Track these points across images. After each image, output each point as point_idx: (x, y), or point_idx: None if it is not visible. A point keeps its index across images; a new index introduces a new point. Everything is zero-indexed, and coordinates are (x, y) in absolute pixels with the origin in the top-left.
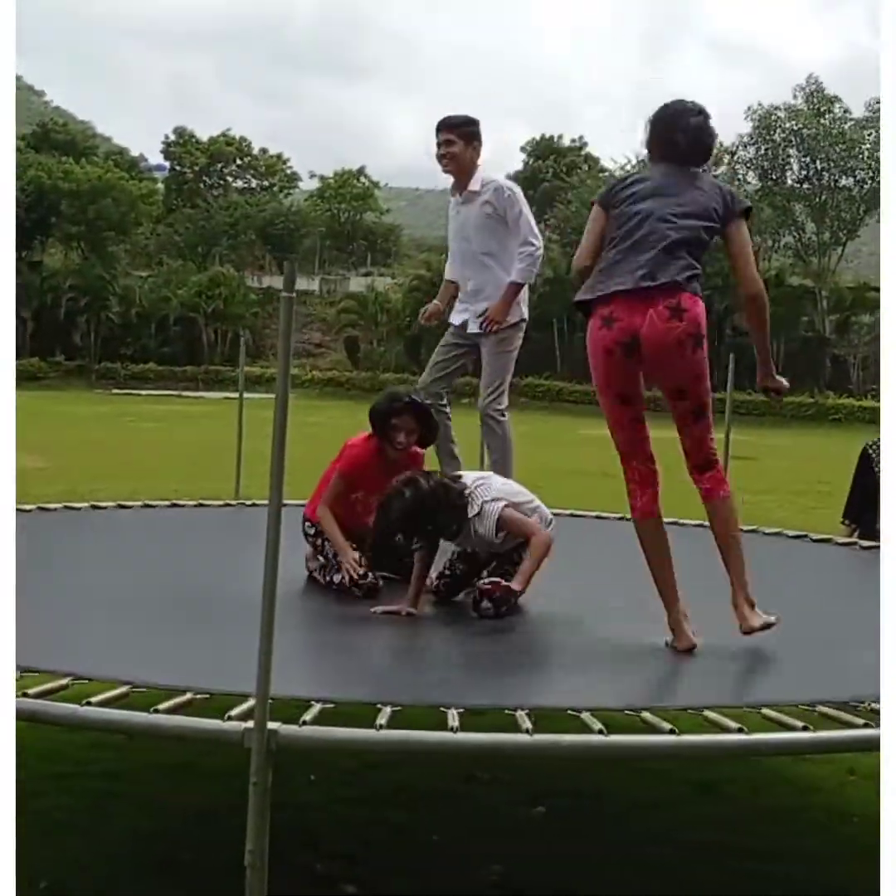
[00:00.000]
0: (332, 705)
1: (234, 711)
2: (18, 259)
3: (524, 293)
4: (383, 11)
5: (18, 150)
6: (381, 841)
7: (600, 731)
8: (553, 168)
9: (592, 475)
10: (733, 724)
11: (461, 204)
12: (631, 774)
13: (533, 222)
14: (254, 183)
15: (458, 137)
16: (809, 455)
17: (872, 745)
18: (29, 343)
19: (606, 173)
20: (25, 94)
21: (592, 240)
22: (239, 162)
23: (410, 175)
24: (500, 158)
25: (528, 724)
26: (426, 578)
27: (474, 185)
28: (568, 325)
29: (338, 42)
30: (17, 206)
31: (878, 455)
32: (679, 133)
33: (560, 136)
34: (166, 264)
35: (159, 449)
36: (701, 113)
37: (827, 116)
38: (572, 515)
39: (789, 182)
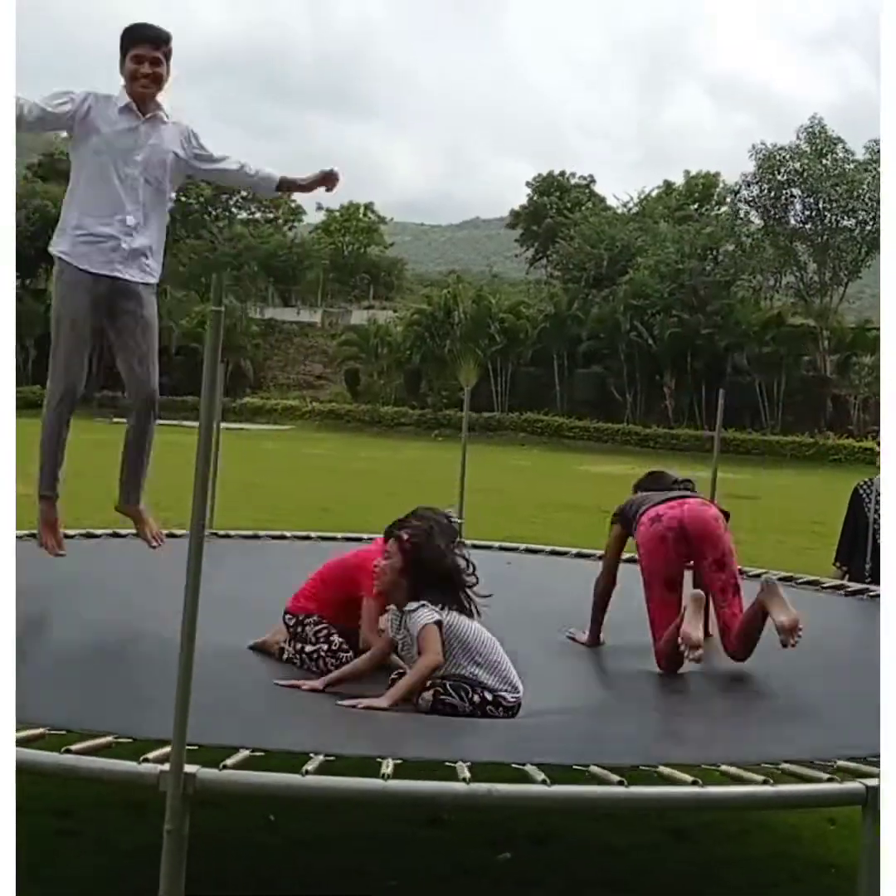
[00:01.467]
0: (261, 753)
1: (152, 754)
2: (22, 287)
3: (161, 250)
4: (383, 46)
5: (25, 179)
6: (337, 885)
7: (543, 782)
8: (557, 204)
9: (588, 510)
10: (688, 778)
11: (143, 124)
12: (604, 820)
13: None
14: (258, 215)
15: (165, 57)
16: (807, 495)
17: (836, 801)
18: (31, 370)
19: (610, 211)
20: None
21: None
22: (243, 194)
23: (414, 210)
24: (503, 192)
25: (465, 774)
26: (360, 675)
27: (163, 112)
28: (568, 361)
29: (337, 77)
30: (22, 234)
31: (870, 496)
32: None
33: (573, 173)
34: (170, 295)
35: (151, 478)
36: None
37: (829, 157)
38: (553, 552)
39: (792, 222)
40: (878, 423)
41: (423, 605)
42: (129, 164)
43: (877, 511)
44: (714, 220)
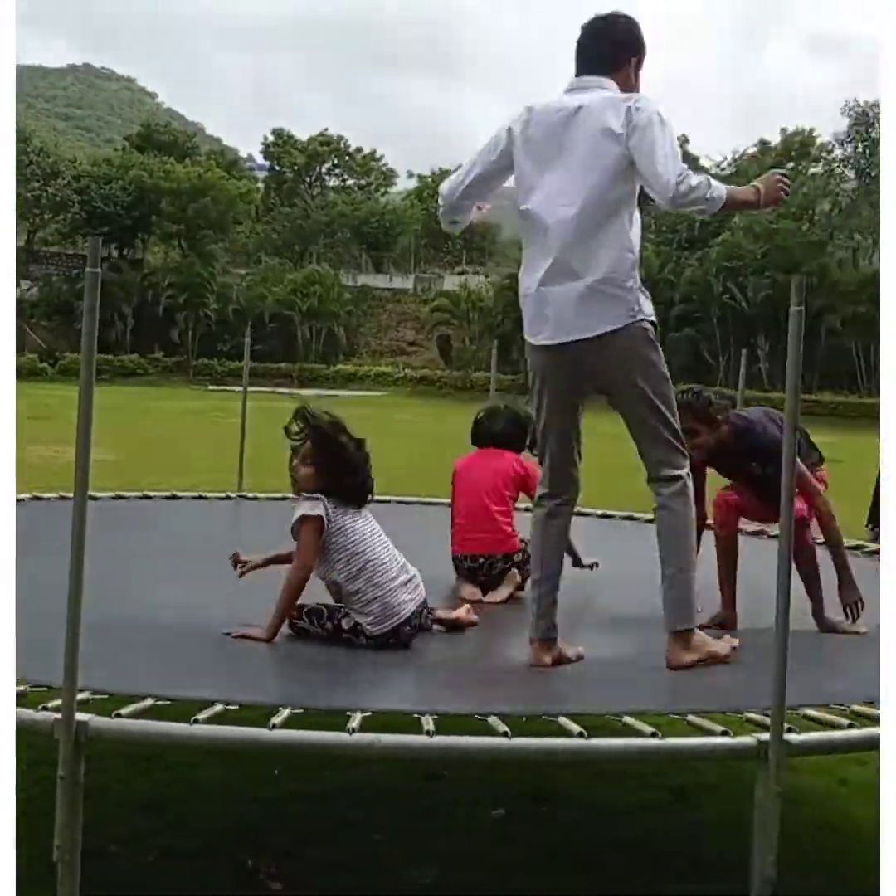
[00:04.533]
0: (167, 702)
1: (51, 703)
2: (119, 257)
3: None
4: (473, 7)
5: (122, 150)
6: (322, 838)
7: (507, 734)
8: None
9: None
10: (576, 728)
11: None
12: (609, 779)
13: None
14: (350, 181)
15: None
16: None
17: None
18: (129, 339)
19: (704, 172)
20: (138, 95)
21: None
22: (335, 160)
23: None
24: None
25: (354, 724)
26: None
27: None
28: (659, 325)
29: (427, 39)
30: (119, 204)
31: None
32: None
33: None
34: (264, 262)
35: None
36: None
37: None
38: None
39: None
40: None
41: (313, 498)
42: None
43: None
44: (809, 180)
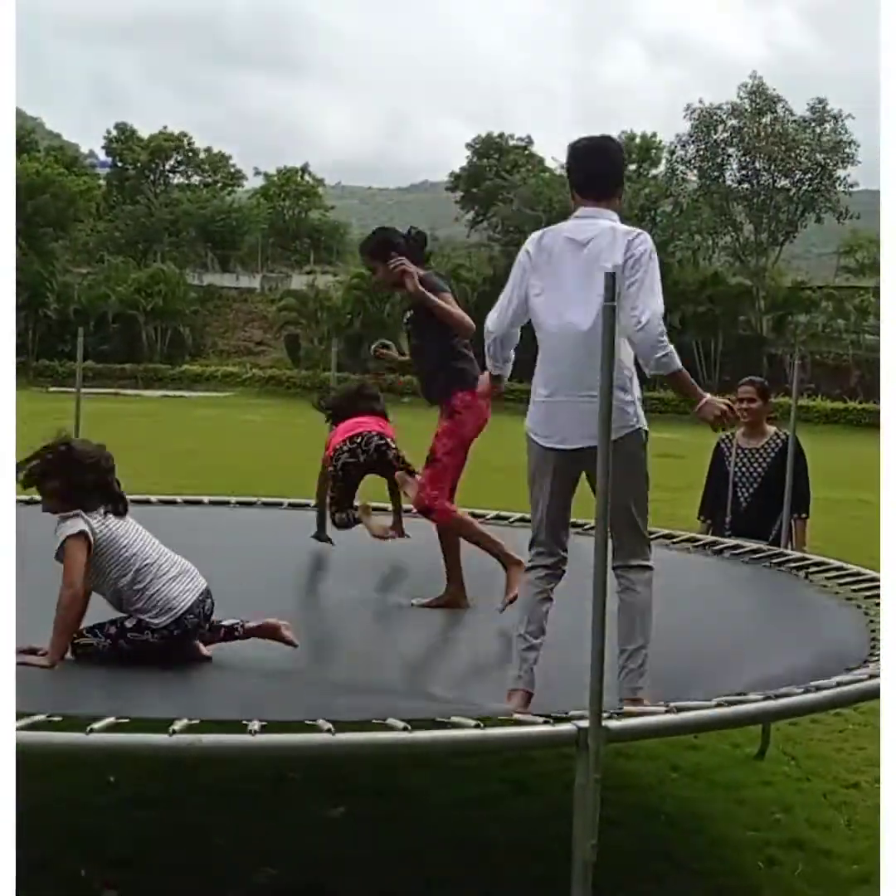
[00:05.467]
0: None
1: None
2: None
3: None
4: (316, 6)
5: None
6: (163, 843)
7: (331, 730)
8: (496, 166)
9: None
10: (400, 724)
11: None
12: (448, 773)
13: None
14: (196, 179)
15: None
16: None
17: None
18: None
19: (547, 173)
20: None
21: None
22: (179, 158)
23: (361, 173)
24: (449, 154)
25: (176, 727)
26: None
27: None
28: None
29: (273, 38)
30: None
31: (730, 450)
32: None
33: (511, 135)
34: (106, 261)
35: None
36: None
37: (768, 116)
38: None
39: (728, 182)
40: (812, 381)
41: (71, 515)
42: None
43: (736, 465)
44: (651, 181)
